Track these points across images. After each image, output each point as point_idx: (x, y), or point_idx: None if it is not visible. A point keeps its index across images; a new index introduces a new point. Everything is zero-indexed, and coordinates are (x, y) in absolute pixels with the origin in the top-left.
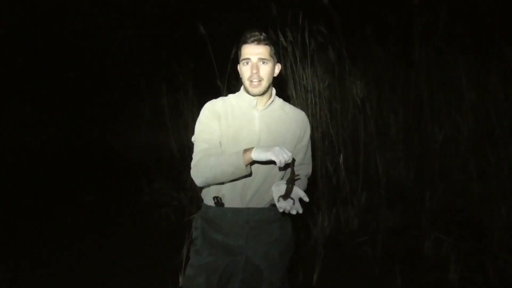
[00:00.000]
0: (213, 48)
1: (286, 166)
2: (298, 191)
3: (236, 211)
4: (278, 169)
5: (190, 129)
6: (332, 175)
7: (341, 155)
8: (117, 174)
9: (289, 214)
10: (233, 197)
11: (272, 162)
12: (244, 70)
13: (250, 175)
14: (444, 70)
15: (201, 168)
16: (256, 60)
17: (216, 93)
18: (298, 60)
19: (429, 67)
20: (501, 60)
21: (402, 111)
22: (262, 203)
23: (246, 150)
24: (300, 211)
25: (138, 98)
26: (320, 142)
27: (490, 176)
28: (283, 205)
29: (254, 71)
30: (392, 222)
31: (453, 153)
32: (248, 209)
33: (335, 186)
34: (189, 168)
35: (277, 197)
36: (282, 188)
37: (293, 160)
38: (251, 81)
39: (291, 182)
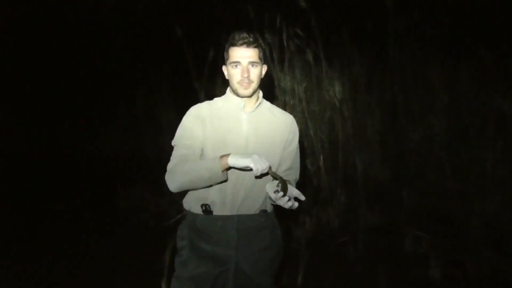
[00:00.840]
0: (189, 50)
1: (262, 175)
2: (293, 190)
3: (225, 218)
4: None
5: (165, 132)
6: (312, 177)
7: (321, 157)
8: (91, 179)
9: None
10: (223, 204)
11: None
12: (234, 73)
13: (226, 180)
14: (418, 72)
15: (176, 173)
16: (246, 63)
17: (193, 96)
18: (276, 62)
19: (404, 69)
20: (471, 63)
21: (378, 112)
22: (252, 210)
23: (223, 156)
24: (296, 205)
25: (113, 101)
26: (301, 143)
27: (464, 174)
28: (279, 196)
29: (245, 75)
30: (372, 221)
31: (428, 152)
32: (238, 216)
33: (316, 187)
34: (166, 171)
35: (272, 192)
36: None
37: (270, 167)
38: (241, 83)
39: (282, 183)
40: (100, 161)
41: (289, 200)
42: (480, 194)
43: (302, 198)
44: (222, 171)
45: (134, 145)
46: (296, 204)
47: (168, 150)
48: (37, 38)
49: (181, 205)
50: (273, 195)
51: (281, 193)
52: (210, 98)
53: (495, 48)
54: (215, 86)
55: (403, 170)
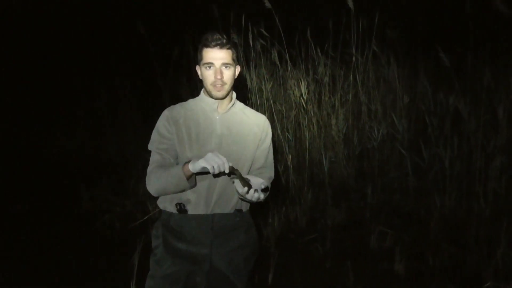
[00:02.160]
0: (153, 48)
1: (221, 174)
2: (259, 181)
3: (200, 218)
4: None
5: (129, 132)
6: (281, 176)
7: (289, 156)
8: (52, 180)
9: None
10: (198, 203)
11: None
12: (207, 74)
13: (195, 185)
14: (379, 73)
15: (151, 180)
16: (219, 65)
17: (157, 95)
18: (242, 61)
19: (366, 69)
20: (429, 64)
21: (342, 111)
22: (227, 208)
23: (186, 163)
24: (262, 196)
25: (75, 99)
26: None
27: (424, 171)
28: (244, 191)
29: (218, 77)
30: (338, 218)
31: (390, 151)
32: (212, 215)
33: (284, 186)
34: (131, 172)
35: (239, 188)
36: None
37: (230, 165)
38: (215, 85)
39: (241, 179)
40: (62, 161)
41: (255, 192)
42: (439, 190)
43: (265, 185)
44: (188, 178)
45: (96, 144)
46: (262, 195)
47: (131, 150)
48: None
49: (147, 206)
50: (240, 190)
51: (246, 189)
52: (175, 97)
53: (451, 51)
54: (180, 85)
55: (367, 168)
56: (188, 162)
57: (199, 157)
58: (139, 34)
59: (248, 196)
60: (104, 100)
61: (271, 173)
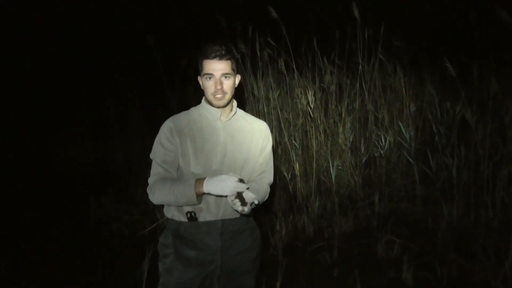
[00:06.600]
0: (161, 58)
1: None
2: (251, 195)
3: (210, 224)
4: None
5: (136, 141)
6: (288, 184)
7: (297, 164)
8: (60, 189)
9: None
10: (208, 210)
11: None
12: (208, 85)
13: (200, 202)
14: (386, 81)
15: (156, 193)
16: (219, 76)
17: (164, 104)
18: (249, 70)
19: (372, 78)
20: (435, 73)
21: (348, 120)
22: (235, 213)
23: (198, 182)
24: (246, 210)
25: (82, 109)
26: (275, 151)
27: (431, 180)
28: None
29: (219, 87)
30: (346, 226)
31: (397, 159)
32: (222, 220)
33: (292, 194)
34: (138, 180)
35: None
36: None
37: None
38: (215, 95)
39: (241, 198)
40: (70, 171)
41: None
42: (446, 199)
43: (256, 202)
44: (198, 197)
45: (104, 153)
46: (246, 209)
47: (139, 159)
48: (8, 45)
49: (155, 214)
50: (239, 209)
51: (242, 208)
52: (182, 107)
53: (457, 60)
54: (187, 95)
55: (374, 176)
56: (198, 182)
57: (204, 168)
58: (147, 44)
59: (239, 210)
60: (112, 109)
61: (270, 177)
